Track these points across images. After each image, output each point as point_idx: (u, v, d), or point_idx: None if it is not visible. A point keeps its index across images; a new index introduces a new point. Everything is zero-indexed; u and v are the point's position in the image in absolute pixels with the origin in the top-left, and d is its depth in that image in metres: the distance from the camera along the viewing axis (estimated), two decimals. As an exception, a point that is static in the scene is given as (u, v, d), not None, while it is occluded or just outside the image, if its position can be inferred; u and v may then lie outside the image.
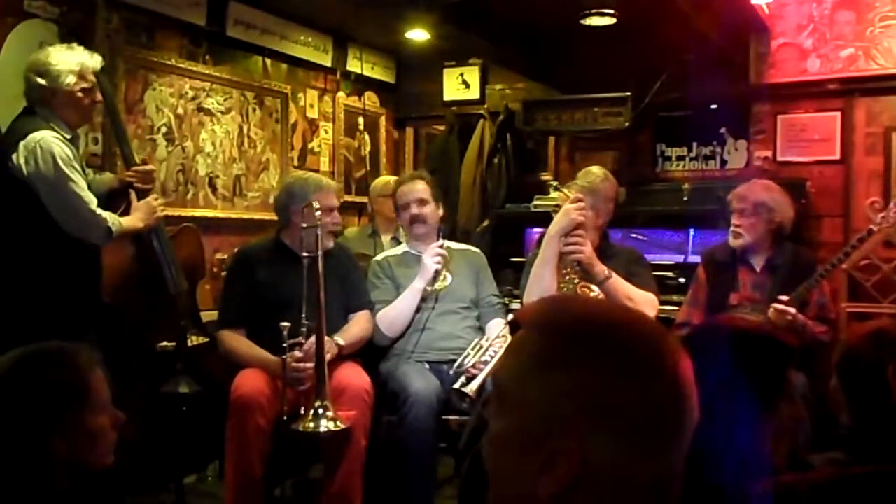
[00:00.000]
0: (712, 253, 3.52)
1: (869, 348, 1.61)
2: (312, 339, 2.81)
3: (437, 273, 3.25)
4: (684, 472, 0.88)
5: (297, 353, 2.82)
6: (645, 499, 0.85)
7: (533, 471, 0.84)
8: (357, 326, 3.16)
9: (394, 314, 3.23)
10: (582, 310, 0.95)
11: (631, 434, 0.84)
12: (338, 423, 2.72)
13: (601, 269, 3.07)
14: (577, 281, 3.02)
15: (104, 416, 1.58)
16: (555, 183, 3.27)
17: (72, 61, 2.82)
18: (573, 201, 3.07)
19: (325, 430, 2.70)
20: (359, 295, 3.24)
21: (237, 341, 3.03)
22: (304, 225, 2.92)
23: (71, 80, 2.81)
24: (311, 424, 2.69)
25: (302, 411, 2.77)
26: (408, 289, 3.25)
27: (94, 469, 1.58)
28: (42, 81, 2.78)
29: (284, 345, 2.77)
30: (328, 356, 2.84)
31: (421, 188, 3.39)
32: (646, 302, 3.12)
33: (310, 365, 2.79)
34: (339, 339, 3.01)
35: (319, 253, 2.87)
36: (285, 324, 2.77)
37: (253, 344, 3.00)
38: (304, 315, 2.83)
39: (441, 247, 3.28)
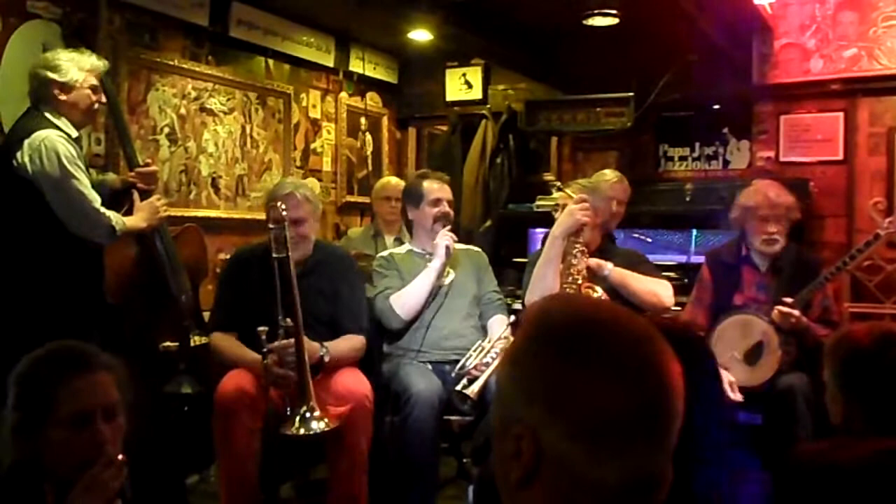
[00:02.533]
0: (717, 253, 3.52)
1: (880, 350, 1.59)
2: (288, 342, 2.73)
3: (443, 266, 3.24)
4: (671, 480, 0.88)
5: (276, 357, 2.75)
6: (611, 499, 0.85)
7: (509, 456, 0.88)
8: (347, 343, 3.01)
9: (408, 293, 3.19)
10: (566, 308, 0.95)
11: (589, 432, 0.84)
12: (328, 422, 2.66)
13: (602, 263, 3.10)
14: (580, 281, 3.02)
15: (64, 430, 1.57)
16: (557, 183, 3.27)
17: (83, 63, 2.86)
18: (578, 202, 3.07)
19: (316, 431, 2.66)
20: (353, 318, 3.07)
21: (224, 341, 2.99)
22: (270, 225, 2.81)
23: (83, 80, 2.84)
24: (301, 430, 2.63)
25: (288, 411, 2.71)
26: (426, 269, 3.22)
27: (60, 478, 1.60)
28: (55, 80, 2.80)
29: (264, 349, 2.71)
30: (308, 356, 2.74)
31: (448, 190, 3.41)
32: (659, 284, 3.16)
33: (291, 373, 2.71)
34: (326, 350, 2.90)
35: (305, 255, 2.84)
36: (262, 328, 2.70)
37: (241, 344, 2.95)
38: (280, 316, 2.74)
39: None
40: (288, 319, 2.74)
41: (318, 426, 2.65)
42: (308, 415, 2.65)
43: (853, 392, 1.62)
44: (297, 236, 2.90)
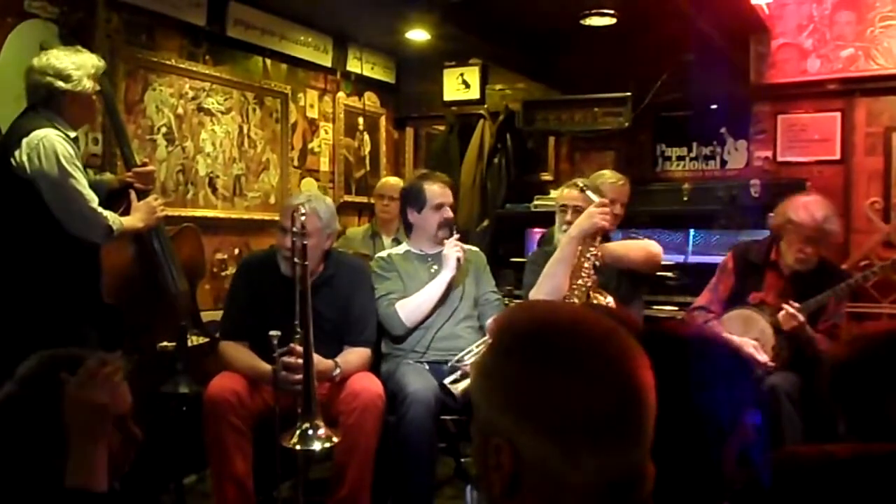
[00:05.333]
0: (746, 250, 3.41)
1: (860, 360, 1.59)
2: (297, 361, 2.73)
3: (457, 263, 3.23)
4: (653, 475, 0.88)
5: (287, 359, 2.74)
6: (594, 498, 0.86)
7: (491, 469, 0.89)
8: (357, 358, 3.05)
9: (416, 303, 3.19)
10: (527, 316, 0.97)
11: (563, 433, 0.86)
12: (328, 440, 2.65)
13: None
14: (589, 284, 3.02)
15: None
16: (580, 183, 3.23)
17: (89, 68, 2.84)
18: (599, 205, 3.05)
19: (313, 450, 2.64)
20: (362, 329, 3.11)
21: (236, 350, 3.00)
22: (294, 230, 2.79)
23: (88, 83, 2.84)
24: (299, 445, 2.61)
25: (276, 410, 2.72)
26: (435, 280, 3.22)
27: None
28: (69, 90, 2.78)
29: (274, 354, 2.71)
30: (317, 368, 2.75)
31: (450, 193, 3.39)
32: (645, 241, 3.28)
33: (298, 377, 2.71)
34: (339, 371, 2.95)
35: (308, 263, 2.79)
36: (274, 332, 2.70)
37: (252, 354, 2.96)
38: (296, 322, 2.74)
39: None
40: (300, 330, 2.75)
41: (317, 445, 2.63)
42: (310, 432, 2.63)
43: (838, 401, 1.63)
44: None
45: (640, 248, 3.24)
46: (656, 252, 3.25)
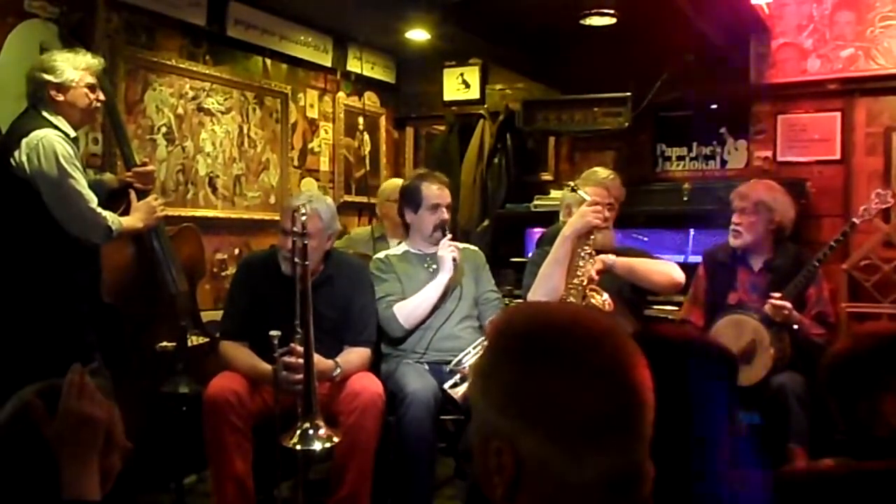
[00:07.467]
0: (714, 252, 3.54)
1: (855, 353, 1.60)
2: (297, 361, 2.72)
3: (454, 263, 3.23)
4: (653, 474, 0.89)
5: (288, 359, 2.74)
6: (595, 498, 0.86)
7: (492, 471, 0.89)
8: (358, 358, 3.05)
9: (414, 305, 3.20)
10: (526, 317, 0.97)
11: (565, 434, 0.86)
12: (328, 440, 2.65)
13: (605, 258, 3.14)
14: (585, 283, 3.02)
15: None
16: (571, 183, 3.24)
17: (78, 62, 2.86)
18: (590, 204, 3.06)
19: (313, 450, 2.64)
20: (362, 330, 3.12)
21: (236, 350, 3.01)
22: (295, 229, 2.75)
23: (79, 80, 2.84)
24: (299, 445, 2.60)
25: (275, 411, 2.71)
26: (432, 282, 3.23)
27: None
28: (51, 81, 2.79)
29: (275, 354, 2.71)
30: (318, 368, 2.74)
31: (448, 194, 3.39)
32: (666, 264, 3.27)
33: (298, 376, 2.71)
34: (340, 371, 2.95)
35: (307, 263, 2.76)
36: (274, 333, 2.69)
37: (252, 353, 2.96)
38: (296, 322, 2.74)
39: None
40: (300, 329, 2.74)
41: (317, 445, 2.62)
42: (310, 432, 2.62)
43: (833, 395, 1.63)
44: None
45: (664, 273, 3.21)
46: (679, 281, 3.24)
